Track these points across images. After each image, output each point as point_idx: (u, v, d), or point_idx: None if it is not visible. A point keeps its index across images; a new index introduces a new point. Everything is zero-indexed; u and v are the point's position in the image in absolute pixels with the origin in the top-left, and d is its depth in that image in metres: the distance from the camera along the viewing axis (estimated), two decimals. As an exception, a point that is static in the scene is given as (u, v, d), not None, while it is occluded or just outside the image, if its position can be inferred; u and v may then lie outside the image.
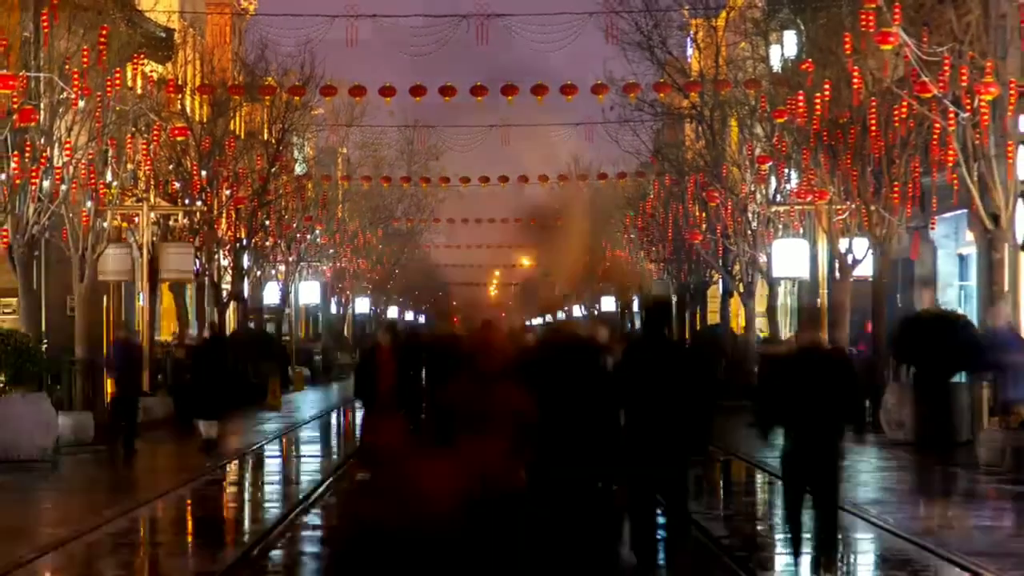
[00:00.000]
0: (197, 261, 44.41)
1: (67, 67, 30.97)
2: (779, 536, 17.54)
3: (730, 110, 47.49)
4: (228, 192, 47.23)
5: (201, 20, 56.27)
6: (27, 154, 30.26)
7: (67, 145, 31.88)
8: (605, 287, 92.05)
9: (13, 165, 29.78)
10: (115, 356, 30.43)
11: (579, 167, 78.84)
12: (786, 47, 44.41)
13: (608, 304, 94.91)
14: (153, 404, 36.40)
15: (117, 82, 32.99)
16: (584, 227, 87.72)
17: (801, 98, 35.01)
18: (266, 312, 61.01)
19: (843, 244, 36.96)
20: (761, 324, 52.14)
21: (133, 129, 37.04)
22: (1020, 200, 24.74)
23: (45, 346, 32.78)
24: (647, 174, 60.96)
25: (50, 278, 38.90)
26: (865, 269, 36.36)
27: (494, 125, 60.24)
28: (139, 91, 37.83)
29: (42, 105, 30.95)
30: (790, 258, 42.47)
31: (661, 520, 13.85)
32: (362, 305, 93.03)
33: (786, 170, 42.41)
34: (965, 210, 32.74)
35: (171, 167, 44.76)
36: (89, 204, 34.40)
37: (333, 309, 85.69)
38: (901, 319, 33.10)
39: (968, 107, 27.96)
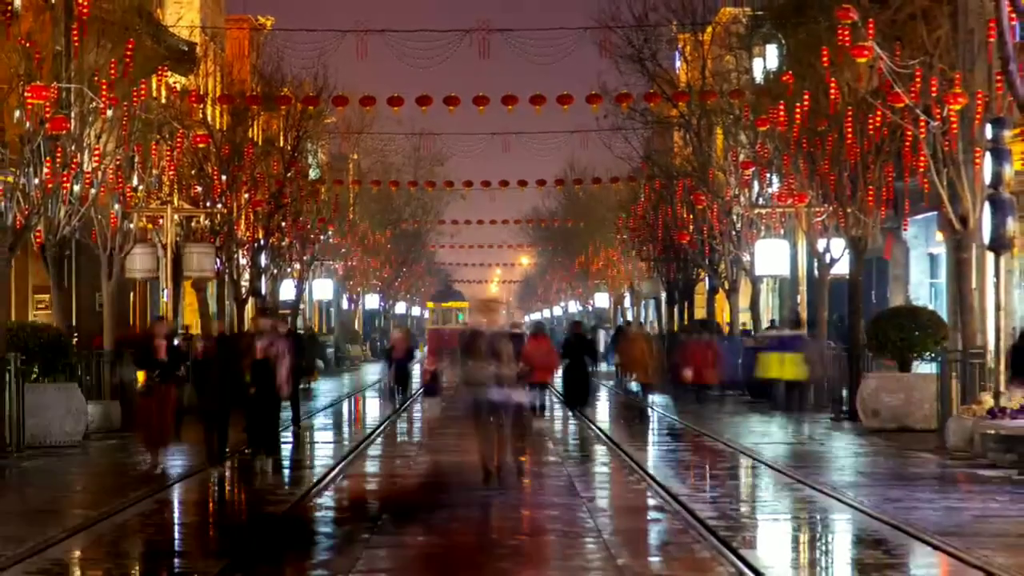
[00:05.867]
0: (218, 260, 44.44)
1: (96, 78, 30.96)
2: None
3: (716, 119, 47.48)
4: (247, 195, 47.23)
5: (221, 34, 56.24)
6: (59, 160, 30.24)
7: (96, 151, 31.88)
8: (598, 284, 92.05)
9: (46, 170, 29.77)
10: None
11: (574, 172, 78.88)
12: (768, 60, 44.44)
13: (602, 300, 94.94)
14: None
15: (143, 92, 32.99)
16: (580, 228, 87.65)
17: (782, 107, 35.04)
18: (282, 308, 60.97)
19: (821, 244, 36.97)
20: (745, 319, 52.13)
21: (158, 136, 37.04)
22: (987, 203, 24.71)
23: (75, 339, 32.78)
24: (638, 179, 60.97)
25: (80, 276, 38.93)
26: (842, 268, 36.37)
27: (495, 133, 60.25)
28: (163, 101, 37.86)
29: (73, 114, 30.94)
30: (772, 257, 42.53)
31: None
32: (372, 301, 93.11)
33: (768, 175, 42.41)
34: (935, 212, 32.73)
35: (193, 172, 44.74)
36: (117, 207, 34.43)
37: (345, 305, 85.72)
38: (876, 314, 33.13)
39: (938, 116, 28.00)
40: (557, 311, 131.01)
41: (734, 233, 46.16)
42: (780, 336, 31.36)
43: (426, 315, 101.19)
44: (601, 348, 60.71)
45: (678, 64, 53.44)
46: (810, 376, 29.70)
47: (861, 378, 31.67)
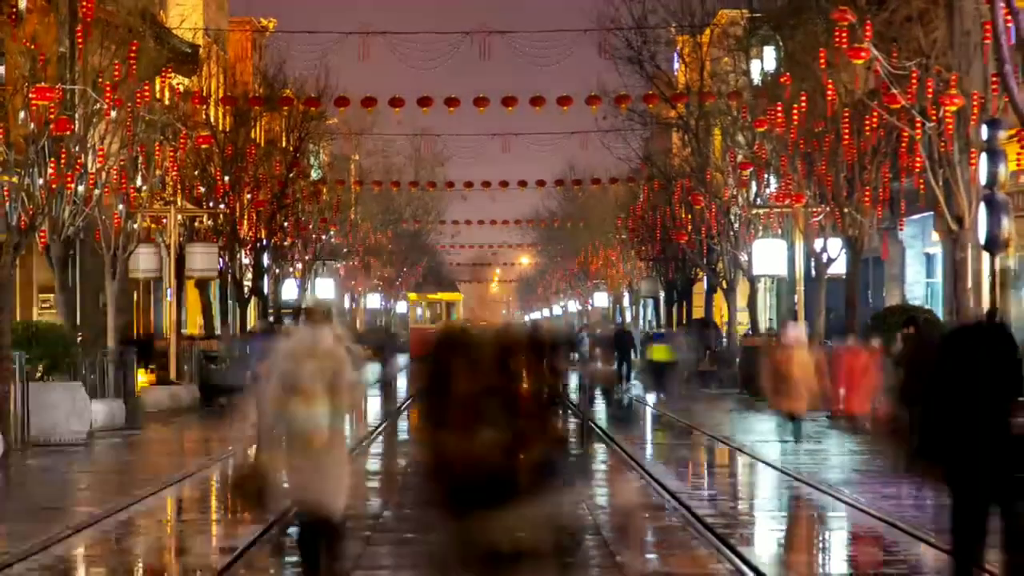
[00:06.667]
0: (221, 260, 44.45)
1: (100, 80, 30.99)
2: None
3: (714, 120, 47.50)
4: (249, 196, 47.26)
5: (224, 36, 56.25)
6: (63, 161, 30.27)
7: (100, 152, 31.90)
8: (598, 284, 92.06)
9: (50, 171, 29.79)
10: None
11: (574, 173, 78.89)
12: (766, 61, 44.45)
13: (601, 300, 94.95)
14: (180, 392, 36.65)
15: (146, 94, 33.00)
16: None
17: (780, 109, 35.05)
18: (284, 308, 61.00)
19: (818, 244, 36.98)
20: (742, 318, 52.16)
21: (161, 137, 37.04)
22: (982, 203, 24.72)
23: (80, 338, 32.78)
24: (637, 179, 60.99)
25: (84, 275, 38.91)
26: (839, 267, 36.38)
27: (495, 134, 60.27)
28: (167, 102, 37.88)
29: (77, 115, 30.96)
30: (769, 257, 42.54)
31: None
32: (373, 300, 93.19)
33: (766, 175, 42.42)
34: (931, 212, 32.76)
35: (196, 173, 44.76)
36: (120, 207, 34.45)
37: (347, 304, 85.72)
38: (873, 314, 33.14)
39: (934, 117, 28.01)
40: (557, 311, 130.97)
41: (732, 233, 46.17)
42: (659, 332, 46.50)
43: (417, 311, 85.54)
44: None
45: (676, 66, 53.45)
46: (676, 358, 41.04)
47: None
